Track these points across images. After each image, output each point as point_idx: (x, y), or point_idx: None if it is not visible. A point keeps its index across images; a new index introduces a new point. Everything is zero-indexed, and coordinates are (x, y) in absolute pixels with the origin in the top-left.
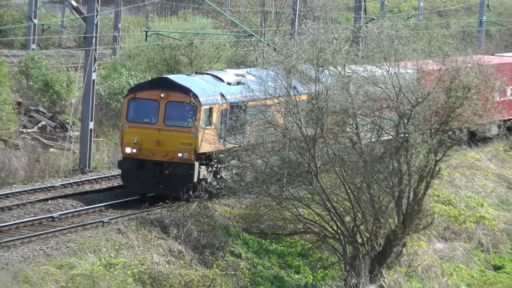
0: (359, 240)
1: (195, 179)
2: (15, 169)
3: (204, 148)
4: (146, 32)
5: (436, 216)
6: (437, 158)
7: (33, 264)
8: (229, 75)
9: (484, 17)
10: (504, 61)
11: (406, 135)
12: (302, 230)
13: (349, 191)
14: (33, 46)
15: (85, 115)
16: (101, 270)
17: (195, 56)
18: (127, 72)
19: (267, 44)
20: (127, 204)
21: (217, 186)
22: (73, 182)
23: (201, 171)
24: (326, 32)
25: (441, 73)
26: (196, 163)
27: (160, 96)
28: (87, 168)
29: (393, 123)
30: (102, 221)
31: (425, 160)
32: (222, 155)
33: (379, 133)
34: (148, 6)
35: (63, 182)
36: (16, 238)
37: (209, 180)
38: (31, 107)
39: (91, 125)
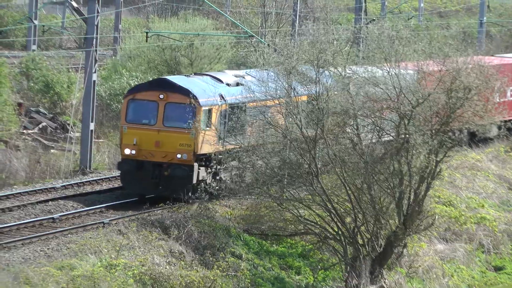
0: (360, 241)
1: (194, 181)
2: (16, 170)
3: (203, 149)
4: (147, 33)
5: (436, 217)
6: (438, 159)
7: (33, 265)
8: (228, 76)
9: (485, 18)
10: (505, 62)
11: (407, 136)
12: (302, 231)
13: (349, 192)
14: (34, 47)
15: (85, 116)
16: (102, 271)
17: (195, 57)
18: (128, 73)
19: (268, 45)
20: (128, 205)
21: (217, 187)
22: (74, 183)
23: (200, 172)
24: (327, 33)
25: (442, 74)
26: (195, 164)
27: (159, 97)
28: (87, 169)
29: (393, 124)
30: (103, 222)
31: (425, 161)
32: (221, 156)
33: (380, 134)
34: (148, 7)
35: (64, 183)
36: (16, 239)
37: (208, 181)
38: (31, 108)
39: (92, 126)
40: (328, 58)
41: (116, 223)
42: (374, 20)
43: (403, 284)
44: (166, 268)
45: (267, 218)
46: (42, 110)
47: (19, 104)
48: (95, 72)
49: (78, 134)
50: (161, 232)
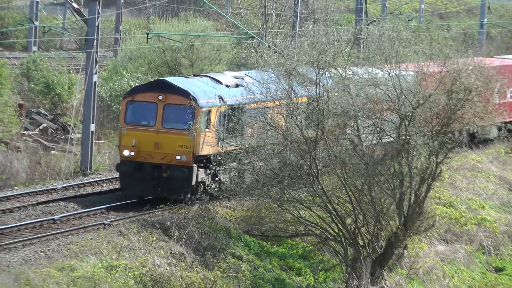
0: (360, 242)
1: (193, 182)
2: (17, 171)
3: (203, 150)
4: (147, 34)
5: (437, 218)
6: (438, 160)
7: (34, 266)
8: (228, 77)
9: (485, 19)
10: (505, 63)
11: (407, 137)
12: (303, 232)
13: (350, 193)
14: (35, 48)
15: (86, 117)
16: (102, 272)
17: (196, 58)
18: (129, 75)
19: (268, 46)
20: (128, 206)
21: (216, 189)
22: (75, 184)
23: (199, 174)
24: (327, 34)
25: (442, 75)
26: (195, 166)
27: (158, 99)
28: (88, 170)
29: (394, 125)
30: (104, 223)
31: (426, 162)
32: (220, 158)
33: (380, 135)
34: (149, 8)
35: (65, 184)
36: (17, 240)
37: (207, 182)
38: (32, 109)
39: (93, 127)
40: (329, 59)
41: (116, 224)
42: (374, 21)
43: (404, 285)
44: (166, 269)
45: (268, 219)
46: (42, 111)
47: (20, 105)
48: (95, 73)
49: (78, 135)
50: (161, 233)
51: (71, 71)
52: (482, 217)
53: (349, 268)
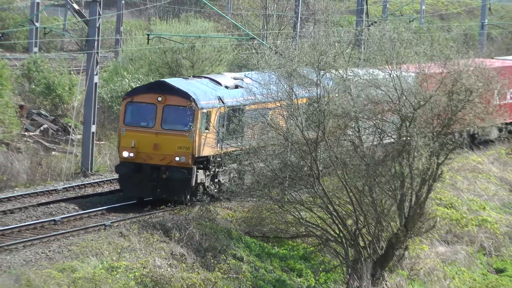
0: (361, 243)
1: (193, 183)
2: (17, 172)
3: (202, 152)
4: (148, 35)
5: (438, 219)
6: (439, 161)
7: (35, 268)
8: (227, 78)
9: (486, 20)
10: (506, 65)
11: (408, 138)
12: (304, 233)
13: (351, 194)
14: (35, 49)
15: (87, 118)
16: (103, 274)
17: (196, 59)
18: (130, 76)
19: (269, 47)
20: (129, 207)
21: (215, 190)
22: (75, 185)
23: (198, 175)
24: (328, 35)
25: (443, 76)
26: (194, 167)
27: (158, 100)
28: (89, 171)
29: (395, 126)
30: (104, 225)
31: (427, 163)
32: (220, 159)
33: (381, 136)
34: (150, 9)
35: (65, 186)
36: (18, 241)
37: (207, 184)
38: (33, 110)
39: (93, 128)
40: (329, 61)
41: (117, 225)
42: (375, 22)
43: (405, 286)
44: (167, 270)
45: (269, 221)
46: (43, 112)
47: (21, 106)
48: (96, 74)
49: (79, 136)
50: (162, 234)
51: (72, 72)
52: (483, 218)
53: (350, 269)
